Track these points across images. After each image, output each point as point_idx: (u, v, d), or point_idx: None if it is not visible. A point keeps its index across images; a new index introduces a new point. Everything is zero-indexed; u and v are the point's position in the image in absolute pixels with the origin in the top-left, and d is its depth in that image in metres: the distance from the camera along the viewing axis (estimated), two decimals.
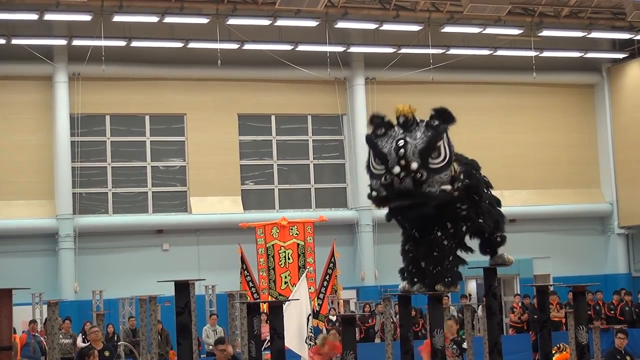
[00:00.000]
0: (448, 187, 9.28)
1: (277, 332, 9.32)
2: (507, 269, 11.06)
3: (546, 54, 33.56)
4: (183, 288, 9.25)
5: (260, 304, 13.56)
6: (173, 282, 9.28)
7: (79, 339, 24.85)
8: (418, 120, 9.53)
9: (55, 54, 30.22)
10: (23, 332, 24.91)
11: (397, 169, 9.14)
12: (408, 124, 9.46)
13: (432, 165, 9.21)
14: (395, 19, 31.02)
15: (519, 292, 32.18)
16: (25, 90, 30.49)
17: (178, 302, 9.22)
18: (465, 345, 16.54)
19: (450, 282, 9.81)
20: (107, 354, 16.56)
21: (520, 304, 29.54)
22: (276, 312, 9.44)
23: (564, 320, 26.85)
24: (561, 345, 21.32)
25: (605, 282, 32.74)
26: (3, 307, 9.09)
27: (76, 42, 29.66)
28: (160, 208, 31.69)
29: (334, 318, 26.27)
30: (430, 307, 10.08)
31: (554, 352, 19.45)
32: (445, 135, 9.43)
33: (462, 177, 9.63)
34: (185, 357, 9.25)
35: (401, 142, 9.25)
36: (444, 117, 9.54)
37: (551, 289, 27.11)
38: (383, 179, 9.30)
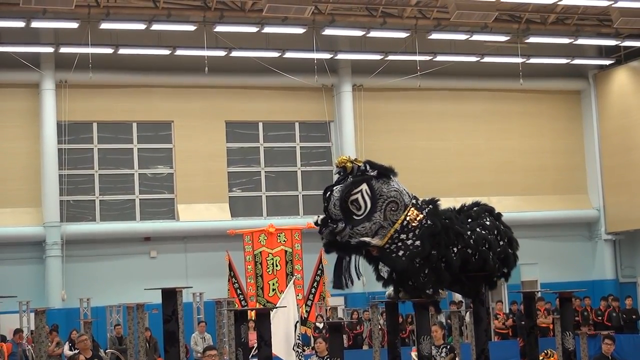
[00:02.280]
0: (367, 239, 9.37)
1: (265, 339, 9.32)
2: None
3: (533, 60, 33.64)
4: (170, 295, 9.27)
5: (248, 311, 13.55)
6: (160, 290, 9.29)
7: (66, 347, 24.79)
8: (358, 170, 9.61)
9: (42, 61, 30.18)
10: (8, 341, 24.84)
11: (315, 220, 9.73)
12: (342, 175, 9.73)
13: (355, 216, 9.37)
14: (382, 26, 31.05)
15: (501, 299, 32.21)
16: (12, 98, 30.45)
17: (165, 309, 9.24)
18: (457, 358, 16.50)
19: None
20: None
21: (503, 311, 29.64)
22: (263, 320, 9.44)
23: (551, 327, 26.89)
24: (549, 352, 21.40)
25: (593, 288, 32.81)
26: None
27: (63, 50, 29.63)
28: (147, 215, 31.66)
29: (321, 325, 26.26)
30: (416, 314, 10.11)
31: (541, 358, 19.53)
32: (365, 188, 9.47)
33: (412, 231, 9.53)
34: None
35: (328, 194, 9.62)
36: (372, 167, 9.65)
37: (538, 295, 27.16)
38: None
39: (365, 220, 9.34)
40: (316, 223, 9.65)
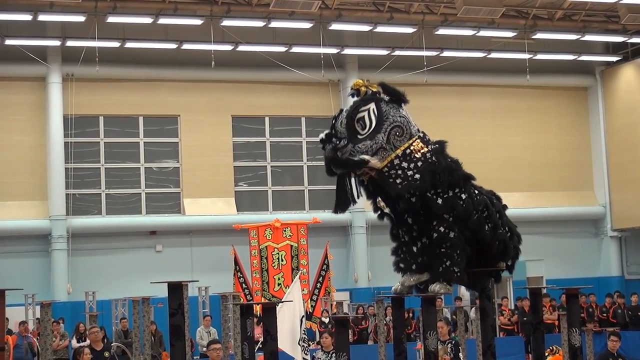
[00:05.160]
0: (366, 157, 9.31)
1: (270, 334, 9.30)
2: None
3: (540, 56, 33.61)
4: (176, 289, 9.24)
5: (254, 305, 13.54)
6: (166, 284, 9.26)
7: (73, 341, 24.80)
8: (371, 94, 9.67)
9: (49, 54, 30.19)
10: (13, 333, 24.86)
11: (320, 136, 9.62)
12: (355, 96, 9.71)
13: (359, 135, 9.36)
14: (389, 21, 31.04)
15: (506, 295, 32.18)
16: (18, 91, 30.46)
17: (171, 303, 9.20)
18: (461, 353, 16.48)
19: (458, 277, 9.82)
20: (106, 354, 16.45)
21: (509, 307, 29.63)
22: (269, 314, 9.41)
23: (556, 323, 26.85)
24: (554, 348, 21.33)
25: (598, 284, 32.76)
26: None
27: (70, 43, 29.64)
28: (153, 209, 31.68)
29: (326, 320, 26.25)
30: (423, 309, 10.06)
31: (546, 354, 19.48)
32: (373, 107, 9.47)
33: (414, 162, 9.46)
34: (178, 359, 9.24)
35: (337, 112, 9.63)
36: (385, 90, 9.70)
37: (544, 291, 27.13)
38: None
39: (367, 139, 9.33)
40: (321, 140, 9.64)
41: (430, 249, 9.69)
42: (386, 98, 9.65)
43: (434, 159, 9.51)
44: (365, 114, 9.41)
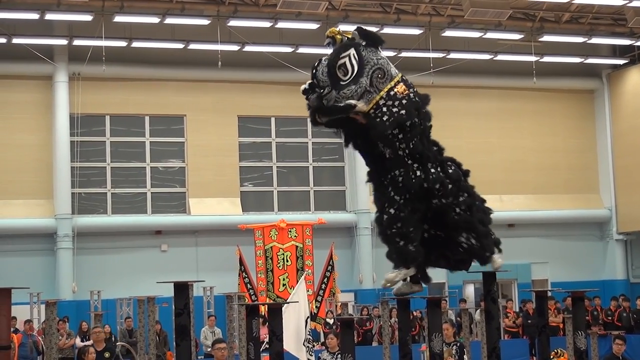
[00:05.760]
0: (352, 101, 9.38)
1: (276, 334, 9.30)
2: (505, 274, 11.00)
3: (546, 59, 33.59)
4: (182, 289, 9.24)
5: (259, 306, 13.54)
6: (172, 283, 9.26)
7: (77, 340, 24.83)
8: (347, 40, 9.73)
9: (55, 53, 30.23)
10: (18, 331, 24.89)
11: (302, 87, 9.77)
12: (331, 45, 9.75)
13: (342, 81, 9.42)
14: (396, 23, 31.02)
15: (511, 298, 32.18)
16: (25, 90, 30.48)
17: (177, 303, 9.21)
18: (466, 356, 16.48)
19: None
20: (107, 355, 16.46)
21: (514, 309, 29.61)
22: (275, 315, 9.41)
23: (561, 326, 26.82)
24: (559, 351, 21.34)
25: (603, 288, 32.71)
26: (2, 306, 9.07)
27: (77, 42, 29.68)
28: (159, 209, 31.70)
29: (331, 321, 26.25)
30: (429, 311, 10.06)
31: (551, 357, 19.46)
32: (353, 53, 9.50)
33: (399, 100, 9.51)
34: (184, 358, 9.25)
35: (317, 63, 9.68)
36: (361, 35, 9.74)
37: (549, 294, 27.10)
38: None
39: (351, 84, 9.39)
40: (303, 91, 9.74)
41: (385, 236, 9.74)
42: (363, 43, 9.69)
43: (417, 98, 9.66)
44: (347, 59, 9.48)
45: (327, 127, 9.90)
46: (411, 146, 9.56)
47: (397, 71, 9.77)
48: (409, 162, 9.61)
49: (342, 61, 9.47)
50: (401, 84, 9.66)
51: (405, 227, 9.58)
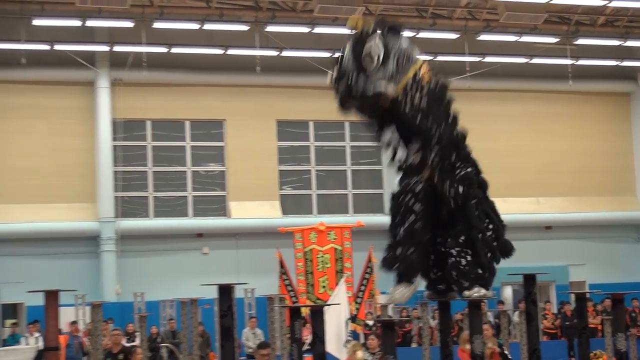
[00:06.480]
0: (381, 87, 9.48)
1: (319, 336, 9.31)
2: (543, 276, 10.94)
3: (582, 62, 33.38)
4: (226, 291, 9.28)
5: (301, 308, 13.57)
6: (215, 285, 9.30)
7: (123, 341, 24.90)
8: (368, 30, 9.79)
9: (97, 60, 30.43)
10: (64, 333, 25.06)
11: (330, 76, 9.82)
12: (356, 36, 9.80)
13: (370, 69, 9.51)
14: (432, 27, 30.95)
15: (549, 300, 32.02)
16: (68, 96, 30.71)
17: (221, 305, 9.25)
18: (506, 350, 16.44)
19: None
20: (120, 357, 16.40)
21: (552, 311, 29.48)
22: (318, 316, 9.43)
23: (599, 327, 26.66)
24: (597, 352, 21.20)
25: None
26: (50, 308, 9.17)
27: (118, 48, 29.87)
28: (200, 212, 31.81)
29: (370, 322, 26.22)
30: (469, 312, 10.04)
31: (590, 358, 19.34)
32: (378, 40, 9.58)
33: (424, 82, 9.66)
34: (228, 359, 9.29)
35: (342, 52, 9.79)
36: (382, 23, 9.89)
37: (588, 296, 26.93)
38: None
39: (378, 71, 9.44)
40: (331, 80, 9.76)
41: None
42: (386, 30, 9.75)
43: (439, 84, 9.80)
44: (372, 47, 9.53)
45: (357, 114, 9.97)
46: (442, 127, 9.66)
47: (419, 56, 9.84)
48: (434, 132, 9.69)
49: (368, 49, 9.53)
50: (424, 64, 9.78)
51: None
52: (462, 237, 9.71)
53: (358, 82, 9.50)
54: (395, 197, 10.06)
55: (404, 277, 9.92)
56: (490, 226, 9.87)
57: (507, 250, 10.01)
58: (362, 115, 9.97)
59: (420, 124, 9.57)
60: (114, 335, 16.74)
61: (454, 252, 9.69)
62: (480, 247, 9.70)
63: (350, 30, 9.88)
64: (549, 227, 33.97)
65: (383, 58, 9.51)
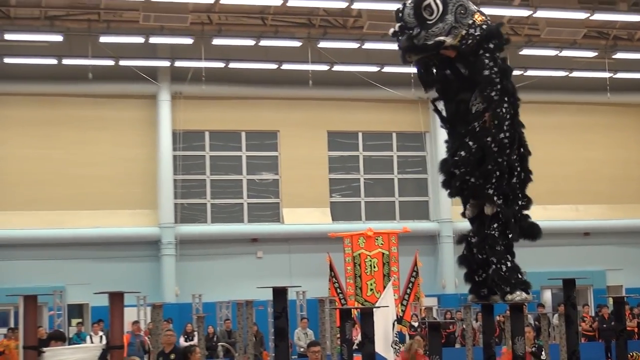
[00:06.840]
0: (442, 38, 9.46)
1: (368, 336, 9.33)
2: (581, 280, 10.88)
3: (620, 75, 33.09)
4: (280, 294, 9.32)
5: (352, 309, 13.58)
6: (271, 288, 9.34)
7: (181, 339, 25.09)
8: None
9: (159, 74, 30.66)
10: (127, 332, 25.24)
11: (392, 30, 9.77)
12: None
13: (429, 21, 9.47)
14: None
15: (587, 303, 31.73)
16: (131, 108, 30.97)
17: (276, 306, 9.29)
18: (543, 355, 16.33)
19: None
20: (172, 356, 16.35)
21: (590, 314, 29.24)
22: (367, 318, 9.46)
23: (636, 330, 26.41)
24: (634, 354, 20.99)
25: None
26: (115, 308, 9.25)
27: (178, 64, 30.09)
28: (254, 218, 31.91)
29: (416, 324, 26.17)
30: (511, 315, 10.00)
31: None
32: None
33: (479, 27, 9.65)
34: (282, 359, 9.33)
35: (401, 7, 9.71)
36: None
37: (626, 299, 26.67)
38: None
39: (438, 22, 9.44)
40: (393, 33, 9.77)
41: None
42: None
43: (492, 24, 9.83)
44: (431, 0, 9.47)
45: (417, 65, 10.04)
46: (498, 63, 9.84)
47: (475, 7, 9.86)
48: (497, 79, 9.92)
49: (427, 2, 9.52)
50: (479, 14, 9.77)
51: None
52: (501, 244, 9.70)
53: (419, 34, 9.49)
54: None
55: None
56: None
57: (535, 232, 10.07)
58: (423, 67, 10.05)
59: (483, 73, 9.69)
60: (166, 335, 16.55)
61: (494, 259, 9.67)
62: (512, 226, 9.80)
63: None
64: (588, 234, 33.70)
65: (442, 10, 9.49)
